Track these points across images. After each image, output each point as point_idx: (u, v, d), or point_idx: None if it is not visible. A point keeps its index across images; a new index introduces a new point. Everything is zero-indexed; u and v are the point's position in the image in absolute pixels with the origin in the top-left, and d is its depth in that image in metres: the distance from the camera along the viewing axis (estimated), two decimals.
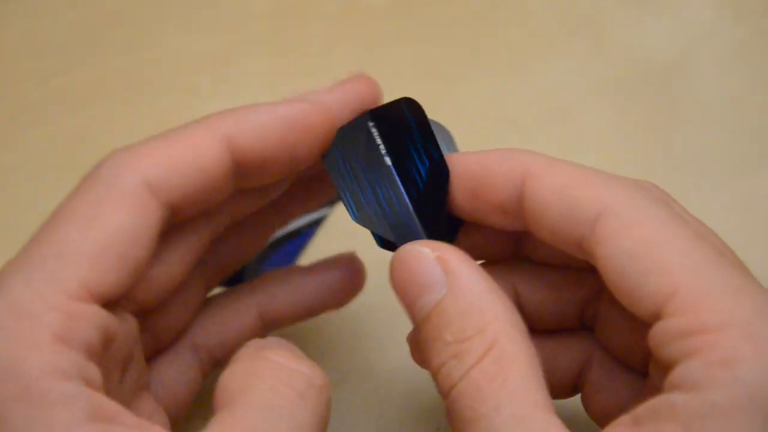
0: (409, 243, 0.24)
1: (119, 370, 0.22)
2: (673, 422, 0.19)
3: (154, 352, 0.26)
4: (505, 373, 0.21)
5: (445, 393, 0.22)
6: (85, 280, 0.20)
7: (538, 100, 0.45)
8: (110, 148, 0.44)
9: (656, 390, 0.22)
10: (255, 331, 0.29)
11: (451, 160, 0.26)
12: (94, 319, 0.21)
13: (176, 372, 0.27)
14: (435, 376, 0.23)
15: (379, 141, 0.26)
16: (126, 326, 0.22)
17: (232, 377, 0.22)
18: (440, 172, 0.26)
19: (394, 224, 0.25)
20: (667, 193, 0.25)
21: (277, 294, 0.29)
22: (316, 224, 0.40)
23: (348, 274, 0.30)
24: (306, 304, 0.29)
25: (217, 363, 0.28)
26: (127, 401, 0.23)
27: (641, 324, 0.25)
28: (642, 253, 0.21)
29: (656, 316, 0.21)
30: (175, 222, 0.23)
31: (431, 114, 0.45)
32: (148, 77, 0.46)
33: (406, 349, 0.36)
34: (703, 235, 0.22)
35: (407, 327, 0.37)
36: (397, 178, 0.26)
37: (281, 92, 0.45)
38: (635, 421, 0.20)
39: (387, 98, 0.45)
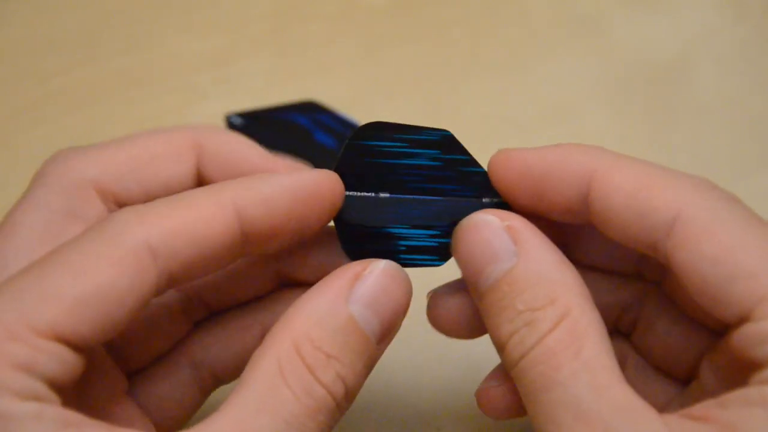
0: (475, 212, 0.24)
1: (76, 390, 0.23)
2: (764, 409, 0.20)
3: (128, 369, 0.26)
4: (580, 342, 0.21)
5: (514, 362, 0.23)
6: (55, 323, 0.21)
7: (538, 100, 0.45)
8: None
9: (705, 394, 0.22)
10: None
11: (510, 157, 0.25)
12: (59, 357, 0.21)
13: (170, 387, 0.27)
14: (504, 345, 0.23)
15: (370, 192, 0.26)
16: (86, 364, 0.22)
17: (266, 357, 0.22)
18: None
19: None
20: (730, 192, 0.25)
21: (280, 313, 0.29)
22: None
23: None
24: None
25: (218, 380, 0.28)
26: (99, 408, 0.23)
27: (696, 331, 0.25)
28: (725, 257, 0.21)
29: (744, 319, 0.21)
30: (173, 285, 0.23)
31: (433, 113, 0.45)
32: (148, 77, 0.46)
33: (406, 349, 0.36)
34: None
35: (407, 327, 0.37)
36: (419, 197, 0.26)
37: (281, 92, 0.45)
38: (722, 405, 0.21)
39: (387, 99, 0.45)
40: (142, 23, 0.48)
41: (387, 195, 0.26)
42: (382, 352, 0.25)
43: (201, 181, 0.24)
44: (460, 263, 0.25)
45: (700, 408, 0.21)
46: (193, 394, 0.27)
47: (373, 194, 0.26)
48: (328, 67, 0.46)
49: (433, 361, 0.36)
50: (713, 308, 0.22)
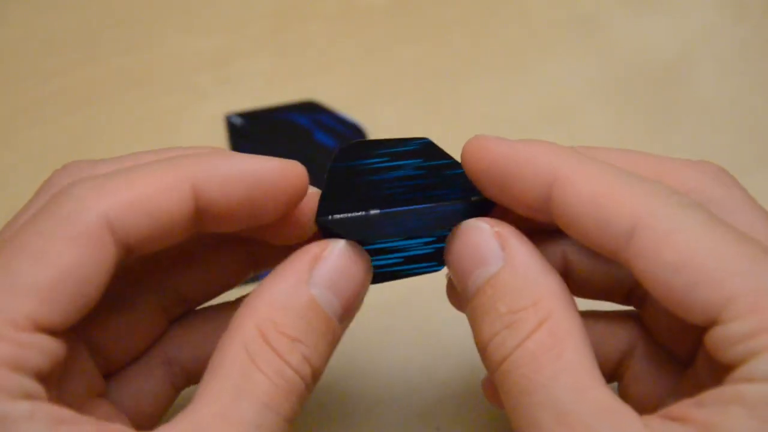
0: (469, 219, 0.25)
1: (57, 383, 0.23)
2: (743, 408, 0.20)
3: (107, 370, 0.26)
4: (561, 345, 0.22)
5: (496, 365, 0.23)
6: (33, 315, 0.21)
7: (538, 100, 0.45)
8: (110, 148, 0.44)
9: (699, 383, 0.22)
10: None
11: (482, 147, 0.25)
12: (41, 347, 0.21)
13: (143, 384, 0.27)
14: (485, 348, 0.23)
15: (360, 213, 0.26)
16: (67, 348, 0.22)
17: (234, 344, 0.22)
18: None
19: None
20: (721, 174, 0.24)
21: None
22: None
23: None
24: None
25: (190, 378, 0.28)
26: (77, 408, 0.23)
27: None
28: (686, 264, 0.21)
29: (712, 322, 0.21)
30: (129, 259, 0.23)
31: (433, 113, 0.45)
32: (148, 77, 0.46)
33: (406, 349, 0.36)
34: (744, 235, 0.22)
35: (407, 327, 0.37)
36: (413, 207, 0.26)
37: (281, 92, 0.45)
38: (698, 404, 0.21)
39: (387, 99, 0.45)
40: (142, 23, 0.48)
41: (377, 211, 0.26)
42: (344, 331, 0.25)
43: (200, 208, 0.23)
44: (451, 268, 0.25)
45: (679, 408, 0.21)
46: (166, 392, 0.27)
47: (363, 213, 0.26)
48: (328, 67, 0.46)
49: (433, 360, 0.36)
50: (681, 314, 0.22)
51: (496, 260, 0.23)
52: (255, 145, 0.43)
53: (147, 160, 0.24)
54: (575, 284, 0.27)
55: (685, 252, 0.21)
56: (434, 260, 0.26)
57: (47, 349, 0.21)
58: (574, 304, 0.23)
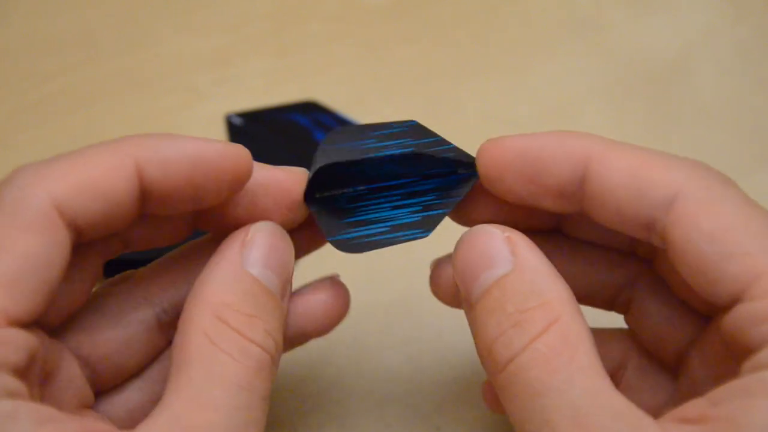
0: (478, 225, 0.25)
1: (39, 385, 0.22)
2: (765, 397, 0.19)
3: (101, 386, 0.26)
4: (573, 348, 0.21)
5: (502, 365, 0.22)
6: (4, 308, 0.20)
7: (538, 100, 0.45)
8: None
9: (694, 390, 0.22)
10: None
11: (504, 142, 0.25)
12: (16, 341, 0.21)
13: (137, 397, 0.27)
14: (490, 348, 0.23)
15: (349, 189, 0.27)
16: (41, 342, 0.22)
17: (194, 334, 0.22)
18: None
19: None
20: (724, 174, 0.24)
21: None
22: None
23: (332, 299, 0.28)
24: (287, 335, 0.28)
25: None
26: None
27: (686, 314, 0.24)
28: (722, 235, 0.21)
29: (736, 299, 0.21)
30: (80, 242, 0.23)
31: (433, 113, 0.45)
32: (148, 77, 0.46)
33: (405, 349, 0.36)
34: None
35: (406, 327, 0.37)
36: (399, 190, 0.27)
37: (281, 92, 0.45)
38: (714, 402, 0.20)
39: (386, 99, 0.45)
40: (142, 23, 0.48)
41: (363, 187, 0.26)
42: (286, 310, 0.26)
43: (144, 190, 0.23)
44: (457, 271, 0.25)
45: (692, 409, 0.21)
46: (155, 333, 0.27)
47: (351, 189, 0.26)
48: (328, 67, 0.46)
49: (433, 361, 0.36)
50: (706, 288, 0.22)
51: (505, 263, 0.23)
52: (255, 145, 0.43)
53: (91, 154, 0.23)
54: None
55: (724, 222, 0.21)
56: (421, 227, 0.26)
57: (22, 343, 0.21)
58: (580, 310, 0.23)
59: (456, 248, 0.25)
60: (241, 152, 0.25)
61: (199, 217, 0.26)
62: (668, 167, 0.23)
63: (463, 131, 0.45)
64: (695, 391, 0.22)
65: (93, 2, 0.49)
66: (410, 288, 0.38)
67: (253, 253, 0.24)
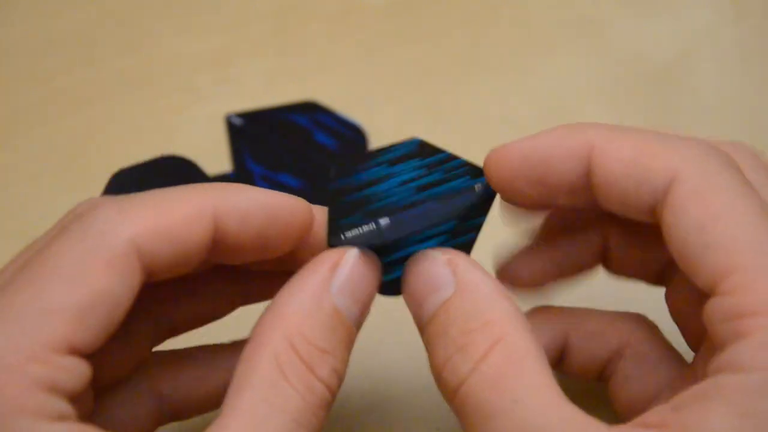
0: (422, 250, 0.25)
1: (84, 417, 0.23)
2: (721, 403, 0.19)
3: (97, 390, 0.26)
4: (519, 366, 0.21)
5: (452, 391, 0.22)
6: (69, 337, 0.21)
7: (538, 100, 0.45)
8: (110, 148, 0.44)
9: (695, 381, 0.22)
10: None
11: (508, 149, 0.25)
12: (76, 370, 0.21)
13: (130, 411, 0.27)
14: (439, 376, 0.23)
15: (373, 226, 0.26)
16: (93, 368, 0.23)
17: (259, 356, 0.22)
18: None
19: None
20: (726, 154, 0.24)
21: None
22: None
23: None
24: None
25: (176, 416, 0.28)
26: None
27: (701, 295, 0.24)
28: (708, 224, 0.21)
29: (710, 292, 0.21)
30: (153, 280, 0.23)
31: (433, 113, 0.45)
32: (148, 77, 0.46)
33: (405, 349, 0.36)
34: None
35: (406, 327, 0.37)
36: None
37: (281, 92, 0.45)
38: (675, 408, 0.20)
39: (387, 99, 0.45)
40: (142, 23, 0.48)
41: (387, 220, 0.26)
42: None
43: (217, 239, 0.24)
44: (407, 299, 0.25)
45: (654, 414, 0.21)
46: (150, 423, 0.27)
47: (373, 225, 0.26)
48: (328, 67, 0.46)
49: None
50: (690, 275, 0.21)
51: (448, 286, 0.23)
52: (255, 145, 0.43)
53: (171, 198, 0.24)
54: (613, 265, 0.27)
55: (712, 211, 0.21)
56: None
57: (80, 371, 0.21)
58: (529, 325, 0.23)
59: (403, 275, 0.25)
60: (305, 206, 0.25)
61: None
62: (667, 152, 0.23)
63: (463, 131, 0.45)
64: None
65: (93, 2, 0.49)
66: None
67: (340, 278, 0.24)
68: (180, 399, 0.27)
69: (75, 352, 0.21)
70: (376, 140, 0.43)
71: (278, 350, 0.22)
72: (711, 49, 0.46)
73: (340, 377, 0.23)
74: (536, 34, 0.47)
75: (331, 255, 0.24)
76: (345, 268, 0.24)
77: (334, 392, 0.23)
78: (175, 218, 0.23)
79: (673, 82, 0.45)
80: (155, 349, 0.28)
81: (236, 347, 0.27)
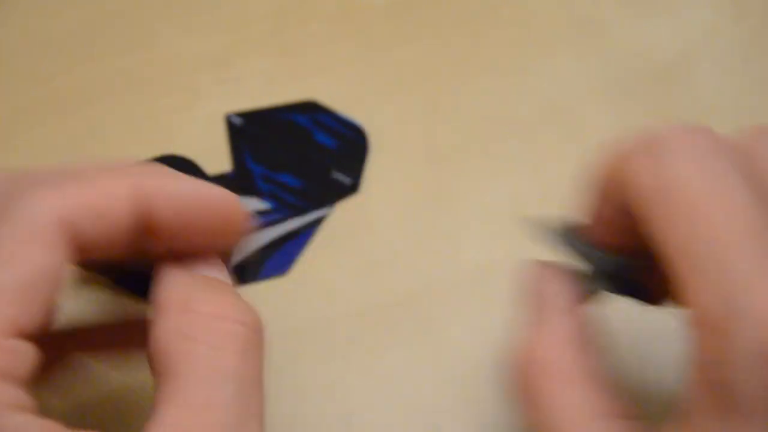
0: None
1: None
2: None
3: None
4: None
5: None
6: (15, 319, 0.20)
7: (538, 100, 0.45)
8: (110, 148, 0.44)
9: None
10: None
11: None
12: (26, 353, 0.21)
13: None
14: None
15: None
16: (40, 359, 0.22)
17: (167, 339, 0.22)
18: None
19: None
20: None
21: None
22: (315, 224, 0.40)
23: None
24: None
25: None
26: None
27: None
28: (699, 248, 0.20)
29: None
30: (81, 257, 0.23)
31: (432, 114, 0.45)
32: (148, 77, 0.46)
33: (405, 349, 0.36)
34: None
35: (407, 326, 0.37)
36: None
37: (281, 92, 0.45)
38: None
39: (387, 99, 0.45)
40: (142, 23, 0.48)
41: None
42: None
43: (141, 220, 0.23)
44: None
45: None
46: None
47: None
48: (328, 67, 0.46)
49: (433, 360, 0.36)
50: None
51: None
52: (255, 144, 0.43)
53: (97, 177, 0.23)
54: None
55: (700, 228, 0.20)
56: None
57: (30, 356, 0.21)
58: None
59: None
60: (238, 201, 0.25)
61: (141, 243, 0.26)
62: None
63: (463, 131, 0.45)
64: None
65: (93, 2, 0.49)
66: (411, 288, 0.38)
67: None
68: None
69: (22, 334, 0.20)
70: (377, 140, 0.43)
71: (175, 322, 0.22)
72: (711, 49, 0.46)
73: (254, 311, 0.23)
74: (536, 34, 0.47)
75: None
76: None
77: (255, 328, 0.23)
78: (100, 194, 0.22)
79: (673, 82, 0.45)
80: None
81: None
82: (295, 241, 0.39)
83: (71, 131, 0.44)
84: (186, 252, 0.25)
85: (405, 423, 0.34)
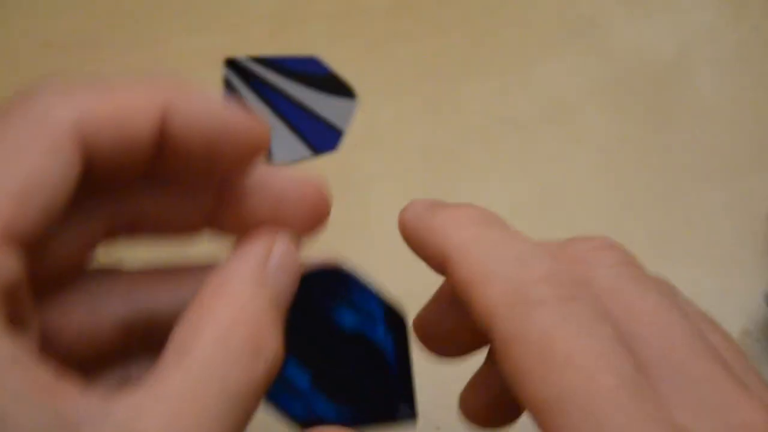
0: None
1: (14, 322, 0.21)
2: None
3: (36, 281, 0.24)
4: None
5: None
6: (8, 221, 0.19)
7: (538, 100, 0.45)
8: None
9: None
10: None
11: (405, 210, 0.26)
12: (12, 262, 0.19)
13: (98, 313, 0.24)
14: None
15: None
16: (26, 276, 0.21)
17: (186, 326, 0.21)
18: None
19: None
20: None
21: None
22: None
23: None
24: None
25: (146, 330, 0.26)
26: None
27: None
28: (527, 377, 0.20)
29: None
30: (87, 179, 0.22)
31: (433, 113, 0.45)
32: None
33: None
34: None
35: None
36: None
37: None
38: None
39: (387, 99, 0.45)
40: (143, 23, 0.48)
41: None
42: None
43: (165, 137, 0.22)
44: None
45: None
46: (113, 335, 0.25)
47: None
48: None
49: (433, 360, 0.36)
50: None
51: None
52: None
53: (121, 90, 0.22)
54: None
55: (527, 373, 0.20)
56: None
57: (16, 264, 0.19)
58: None
59: None
60: (263, 127, 0.24)
61: (215, 214, 0.25)
62: (492, 290, 0.22)
63: (463, 131, 0.45)
64: None
65: (93, 2, 0.49)
66: (410, 288, 0.38)
67: (277, 259, 0.23)
68: (152, 311, 0.25)
69: (12, 240, 0.19)
70: (377, 140, 0.43)
71: (223, 322, 0.21)
72: (711, 49, 0.46)
73: (278, 358, 0.22)
74: (536, 34, 0.47)
75: (266, 234, 0.24)
76: (280, 247, 0.24)
77: (272, 373, 0.22)
78: (120, 104, 0.21)
79: (673, 82, 0.45)
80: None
81: (204, 267, 0.26)
82: None
83: None
84: (199, 175, 0.24)
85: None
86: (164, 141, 0.22)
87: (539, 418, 0.19)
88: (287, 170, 0.25)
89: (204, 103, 0.23)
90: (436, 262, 0.24)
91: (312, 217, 0.25)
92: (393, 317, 0.25)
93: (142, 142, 0.22)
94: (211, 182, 0.25)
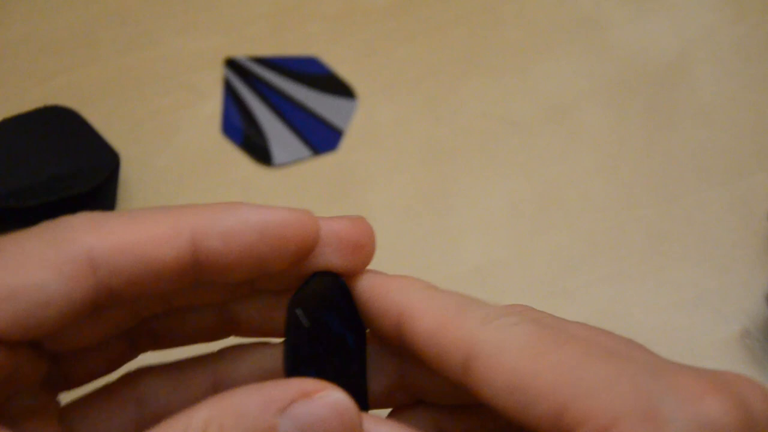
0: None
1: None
2: None
3: (65, 387, 0.26)
4: None
5: None
6: None
7: (538, 100, 0.45)
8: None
9: None
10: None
11: (365, 277, 0.26)
12: None
13: (110, 417, 0.26)
14: None
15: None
16: (13, 358, 0.22)
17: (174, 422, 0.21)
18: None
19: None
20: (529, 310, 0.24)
21: (238, 367, 0.27)
22: None
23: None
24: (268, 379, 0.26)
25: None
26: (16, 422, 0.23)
27: None
28: (515, 386, 0.21)
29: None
30: (116, 297, 0.23)
31: (433, 113, 0.45)
32: (148, 77, 0.46)
33: None
34: (571, 336, 0.22)
35: None
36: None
37: None
38: None
39: (387, 99, 0.45)
40: (142, 23, 0.48)
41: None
42: None
43: (201, 260, 0.23)
44: None
45: None
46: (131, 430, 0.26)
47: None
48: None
49: None
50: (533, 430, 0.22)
51: None
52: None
53: (145, 217, 0.23)
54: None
55: (512, 374, 0.21)
56: None
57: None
58: None
59: None
60: (306, 218, 0.24)
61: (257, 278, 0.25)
62: (462, 325, 0.22)
63: (463, 131, 0.45)
64: None
65: (93, 2, 0.49)
66: None
67: (302, 408, 0.22)
68: (160, 408, 0.26)
69: None
70: (377, 139, 0.43)
71: (192, 424, 0.21)
72: (711, 49, 0.46)
73: None
74: (536, 34, 0.47)
75: (309, 383, 0.22)
76: (315, 402, 0.22)
77: None
78: (142, 237, 0.22)
79: (673, 82, 0.45)
80: (142, 365, 0.27)
81: (216, 357, 0.27)
82: None
83: None
84: (249, 279, 0.24)
85: None
86: (203, 262, 0.23)
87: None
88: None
89: (236, 218, 0.23)
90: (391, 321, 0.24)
91: (294, 247, 0.24)
92: (359, 332, 0.25)
93: (167, 269, 0.22)
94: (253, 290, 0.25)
